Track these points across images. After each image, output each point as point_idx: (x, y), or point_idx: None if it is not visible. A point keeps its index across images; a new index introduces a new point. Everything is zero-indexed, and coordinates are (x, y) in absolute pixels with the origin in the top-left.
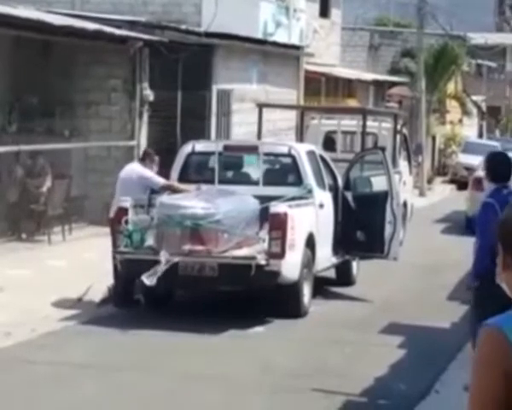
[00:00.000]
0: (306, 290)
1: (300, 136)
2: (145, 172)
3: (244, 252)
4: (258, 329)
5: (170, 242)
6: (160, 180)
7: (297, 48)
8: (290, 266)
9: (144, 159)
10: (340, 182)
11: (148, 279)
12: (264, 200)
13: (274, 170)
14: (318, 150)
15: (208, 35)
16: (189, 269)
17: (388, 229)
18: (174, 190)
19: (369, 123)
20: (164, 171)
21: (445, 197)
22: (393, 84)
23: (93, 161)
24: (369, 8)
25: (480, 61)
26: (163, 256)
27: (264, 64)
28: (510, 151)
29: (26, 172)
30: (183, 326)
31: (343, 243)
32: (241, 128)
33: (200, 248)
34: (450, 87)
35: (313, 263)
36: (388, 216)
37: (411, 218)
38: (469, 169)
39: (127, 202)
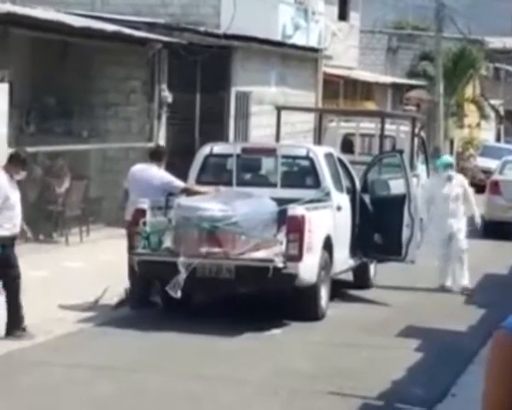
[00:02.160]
0: (324, 293)
1: (318, 138)
2: (165, 176)
3: (261, 254)
4: (276, 331)
5: (187, 244)
6: (180, 184)
7: (315, 50)
8: (308, 269)
9: (161, 158)
10: (358, 184)
11: (173, 291)
12: (282, 202)
13: (292, 172)
14: (336, 153)
15: (227, 37)
16: (207, 271)
17: (406, 232)
18: (193, 193)
19: (388, 126)
20: (183, 172)
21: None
22: (411, 87)
23: (111, 163)
24: (388, 11)
25: (497, 65)
26: (181, 264)
27: (282, 66)
28: None
29: (45, 171)
30: (200, 328)
31: (360, 245)
32: (260, 130)
33: (217, 250)
34: (468, 91)
35: (331, 266)
36: (406, 219)
37: None
38: (487, 172)
39: (145, 204)
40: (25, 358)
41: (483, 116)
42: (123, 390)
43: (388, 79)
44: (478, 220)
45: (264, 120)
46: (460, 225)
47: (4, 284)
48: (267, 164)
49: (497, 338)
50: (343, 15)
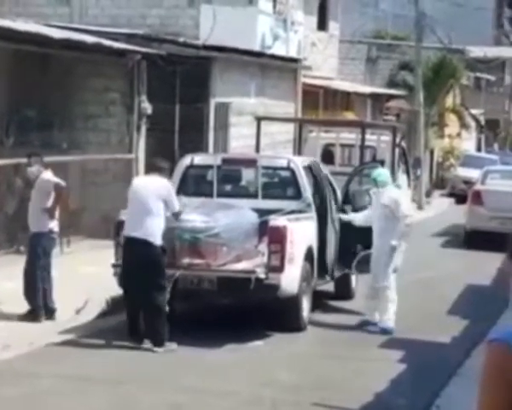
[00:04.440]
0: (305, 304)
1: (299, 149)
2: (172, 193)
3: (243, 265)
4: (258, 343)
5: (169, 255)
6: (177, 206)
7: (295, 61)
8: (289, 280)
9: (163, 173)
10: (340, 195)
11: None
12: (263, 213)
13: (273, 183)
14: (317, 163)
15: (206, 48)
16: (189, 283)
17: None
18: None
19: (368, 136)
20: None
21: (444, 211)
22: (391, 97)
23: (91, 174)
24: (367, 21)
25: (478, 75)
26: None
27: (262, 77)
28: (508, 164)
29: (25, 183)
30: (182, 340)
31: (342, 256)
32: (239, 141)
33: (199, 261)
34: (449, 100)
35: (312, 277)
36: None
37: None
38: (468, 182)
39: (125, 216)
40: (8, 369)
41: (464, 126)
42: (108, 402)
43: (368, 89)
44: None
45: (244, 130)
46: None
47: None
48: (248, 175)
49: (492, 351)
50: (322, 25)
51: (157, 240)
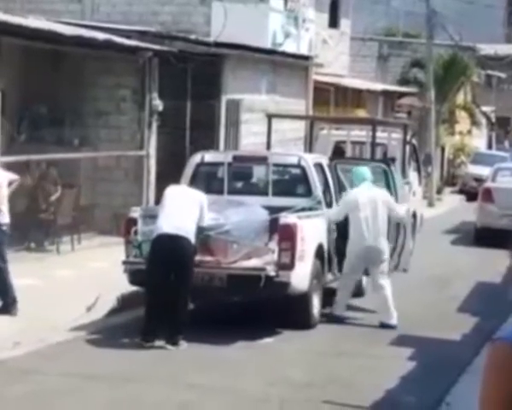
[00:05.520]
0: (316, 301)
1: (309, 146)
2: (206, 207)
3: (253, 263)
4: (268, 340)
5: None
6: (206, 220)
7: (306, 58)
8: (300, 277)
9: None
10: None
11: None
12: (274, 211)
13: (283, 180)
14: (327, 161)
15: (217, 45)
16: (199, 280)
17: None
18: None
19: (379, 133)
20: (173, 181)
21: (455, 208)
22: (403, 94)
23: (102, 171)
24: (379, 18)
25: (489, 72)
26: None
27: (273, 74)
28: None
29: (37, 180)
30: (193, 337)
31: None
32: (250, 138)
33: (209, 258)
34: (460, 98)
35: (323, 274)
36: (390, 232)
37: (421, 228)
38: (479, 180)
39: (136, 213)
40: (18, 366)
41: (474, 123)
42: (116, 399)
43: (379, 87)
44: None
45: (255, 127)
46: None
47: None
48: (258, 172)
49: (495, 349)
50: (334, 22)
51: (193, 239)
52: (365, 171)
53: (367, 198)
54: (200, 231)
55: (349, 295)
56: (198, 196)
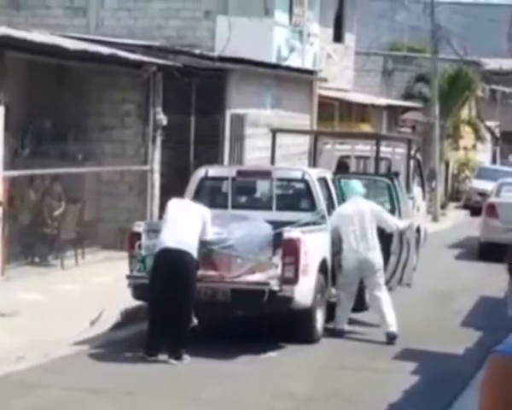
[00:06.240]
0: (319, 316)
1: (314, 161)
2: (210, 221)
3: (257, 277)
4: (271, 354)
5: None
6: (210, 234)
7: (310, 72)
8: (303, 292)
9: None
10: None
11: None
12: (278, 225)
13: (287, 195)
14: (331, 175)
15: (222, 59)
16: (202, 294)
17: (392, 259)
18: None
19: (383, 148)
20: (177, 195)
21: (459, 223)
22: (407, 109)
23: (106, 185)
24: (383, 32)
25: (494, 87)
26: None
27: (277, 89)
28: None
29: (42, 195)
30: (196, 351)
31: None
32: (255, 153)
33: (212, 273)
34: (464, 112)
35: (326, 289)
36: (393, 246)
37: (424, 243)
38: (483, 195)
39: (140, 227)
40: (22, 380)
41: (479, 138)
42: None
43: (384, 101)
44: None
45: (259, 142)
46: None
47: None
48: (262, 187)
49: (492, 362)
50: (338, 37)
51: (195, 254)
52: (356, 184)
53: (353, 211)
54: (203, 245)
55: (348, 308)
56: (200, 211)
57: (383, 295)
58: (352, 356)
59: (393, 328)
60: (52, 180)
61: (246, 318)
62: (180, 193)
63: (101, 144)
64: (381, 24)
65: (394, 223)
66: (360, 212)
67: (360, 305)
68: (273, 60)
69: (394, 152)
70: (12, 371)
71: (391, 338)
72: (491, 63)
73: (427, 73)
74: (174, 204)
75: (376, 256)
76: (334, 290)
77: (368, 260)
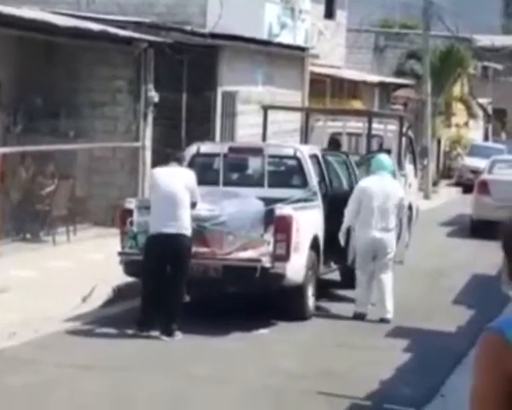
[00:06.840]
0: (311, 293)
1: (305, 138)
2: (195, 183)
3: (249, 254)
4: (263, 331)
5: None
6: (198, 196)
7: (302, 49)
8: (295, 269)
9: (182, 162)
10: (346, 184)
11: None
12: (269, 202)
13: (279, 172)
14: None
15: (213, 36)
16: (194, 271)
17: None
18: None
19: (375, 125)
20: None
21: (451, 200)
22: (399, 86)
23: (98, 162)
24: (375, 9)
25: (486, 64)
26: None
27: (269, 65)
28: None
29: (34, 172)
30: (188, 328)
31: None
32: (246, 130)
33: (204, 250)
34: (456, 89)
35: (318, 265)
36: None
37: (416, 221)
38: (475, 172)
39: (132, 204)
40: (14, 356)
41: (471, 115)
42: (112, 389)
43: (375, 78)
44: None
45: (251, 119)
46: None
47: None
48: (254, 164)
49: (484, 339)
50: (330, 14)
51: (189, 232)
52: (385, 160)
53: (379, 189)
54: (194, 206)
55: (367, 289)
56: (186, 178)
57: (388, 279)
58: (344, 334)
59: (390, 315)
60: (44, 159)
61: (237, 294)
62: None
63: (93, 121)
64: (372, 0)
65: (404, 214)
66: (386, 191)
67: (352, 282)
68: (264, 36)
69: (386, 129)
70: (4, 347)
71: (384, 322)
72: (483, 40)
73: (418, 50)
74: (160, 175)
75: (392, 239)
76: (325, 268)
77: (383, 240)
